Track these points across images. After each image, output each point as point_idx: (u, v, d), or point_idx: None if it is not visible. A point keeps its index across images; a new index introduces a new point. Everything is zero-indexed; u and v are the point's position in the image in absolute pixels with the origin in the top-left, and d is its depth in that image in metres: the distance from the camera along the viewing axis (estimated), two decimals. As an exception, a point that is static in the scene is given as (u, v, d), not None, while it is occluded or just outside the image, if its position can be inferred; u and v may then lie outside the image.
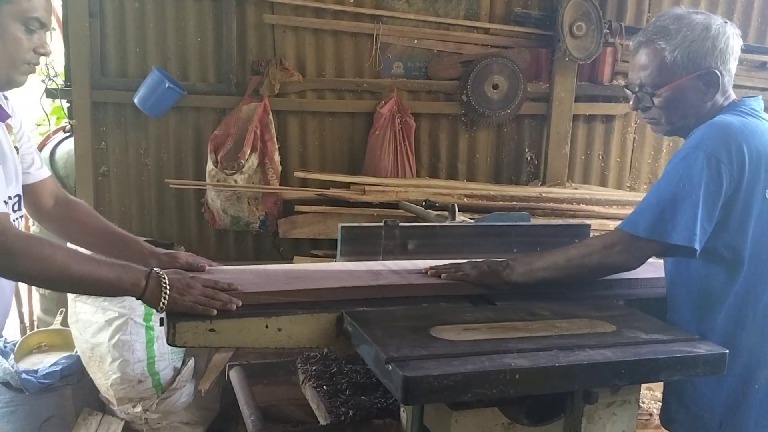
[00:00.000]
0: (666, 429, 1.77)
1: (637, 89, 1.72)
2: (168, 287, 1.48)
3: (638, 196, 3.65)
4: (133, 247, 1.80)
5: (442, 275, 1.79)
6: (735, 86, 4.00)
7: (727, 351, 1.47)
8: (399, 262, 1.99)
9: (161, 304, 1.47)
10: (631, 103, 1.77)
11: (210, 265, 1.82)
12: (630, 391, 1.49)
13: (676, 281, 1.74)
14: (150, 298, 1.48)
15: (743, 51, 4.04)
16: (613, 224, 3.33)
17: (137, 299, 1.50)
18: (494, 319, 1.59)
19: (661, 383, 1.99)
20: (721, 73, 1.65)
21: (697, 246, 1.56)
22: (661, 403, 1.79)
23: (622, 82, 3.76)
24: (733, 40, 1.66)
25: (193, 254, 1.85)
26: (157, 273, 1.50)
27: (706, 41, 1.63)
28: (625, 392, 1.49)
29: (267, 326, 1.53)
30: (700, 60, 1.64)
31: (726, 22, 1.67)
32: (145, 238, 3.32)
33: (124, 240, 1.82)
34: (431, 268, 1.83)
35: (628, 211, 3.44)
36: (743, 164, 1.55)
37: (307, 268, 1.94)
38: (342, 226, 2.08)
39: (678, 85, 1.66)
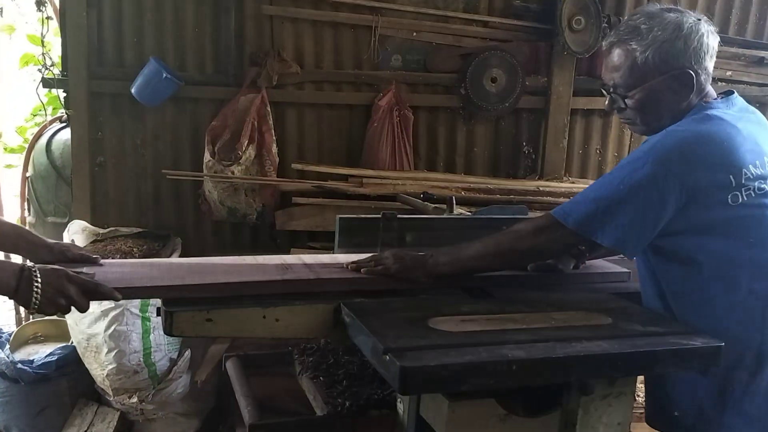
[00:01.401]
0: (649, 426, 1.77)
1: (611, 90, 1.69)
2: (39, 288, 1.40)
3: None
4: (25, 239, 1.72)
5: (362, 269, 1.73)
6: (733, 82, 4.01)
7: (723, 344, 1.48)
8: (319, 256, 1.94)
9: (32, 305, 1.41)
10: (606, 103, 1.74)
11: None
12: (626, 383, 1.50)
13: (644, 275, 1.74)
14: (21, 298, 1.42)
15: (742, 47, 4.04)
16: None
17: (10, 299, 1.45)
18: (491, 310, 1.59)
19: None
20: (695, 72, 1.60)
21: (626, 251, 1.55)
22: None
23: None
24: (708, 37, 1.61)
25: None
26: (30, 272, 1.42)
27: (678, 41, 1.59)
28: (622, 384, 1.49)
29: (264, 316, 1.53)
30: (673, 60, 1.59)
31: (700, 20, 1.62)
32: (141, 229, 3.37)
33: (15, 231, 1.76)
34: (353, 262, 1.78)
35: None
36: (699, 173, 1.52)
37: (214, 261, 1.85)
38: (340, 218, 2.08)
39: (651, 86, 1.62)
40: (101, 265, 1.69)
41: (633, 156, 1.60)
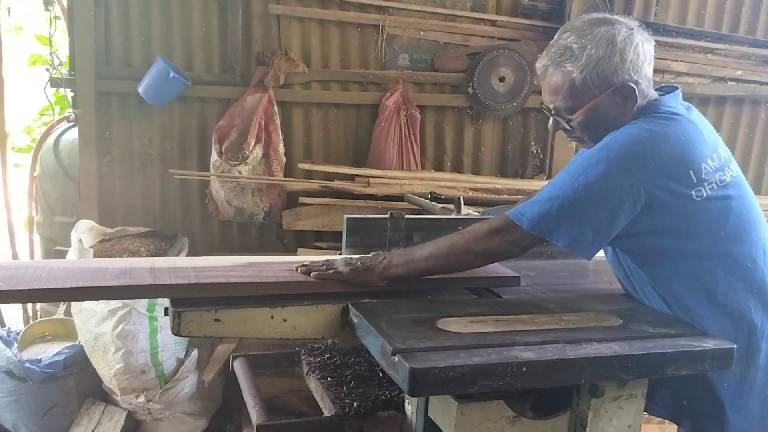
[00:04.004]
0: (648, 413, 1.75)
1: (553, 112, 1.66)
2: None
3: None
4: None
5: (312, 273, 1.68)
6: (744, 81, 3.98)
7: (735, 346, 1.47)
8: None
9: None
10: (549, 125, 1.71)
11: None
12: (637, 385, 1.48)
13: (620, 276, 1.74)
14: None
15: (752, 45, 4.01)
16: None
17: None
18: (500, 312, 1.58)
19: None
20: (636, 83, 1.57)
21: (582, 252, 1.52)
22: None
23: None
24: (643, 46, 1.58)
25: None
26: None
27: (613, 56, 1.55)
28: (632, 386, 1.48)
29: (272, 317, 1.53)
30: (611, 76, 1.56)
31: (632, 29, 1.58)
32: (148, 229, 3.37)
33: None
34: (302, 264, 1.73)
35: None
36: (656, 171, 1.50)
37: (109, 265, 1.74)
38: (348, 218, 2.07)
39: (593, 106, 1.59)
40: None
41: (587, 153, 1.56)
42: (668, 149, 1.52)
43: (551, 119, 1.69)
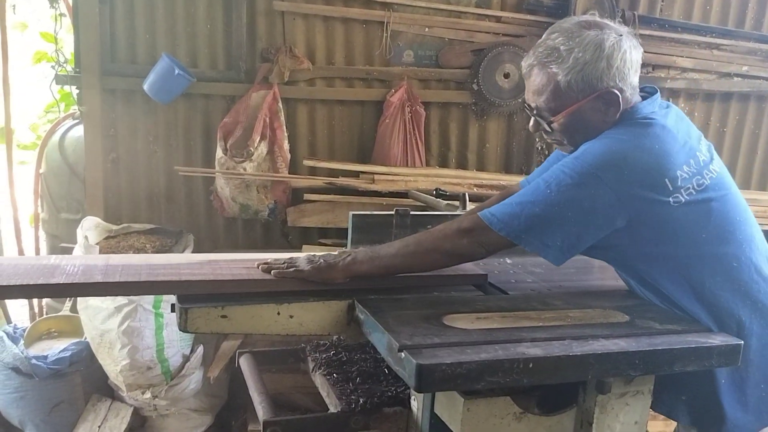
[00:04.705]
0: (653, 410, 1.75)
1: (535, 113, 1.66)
2: None
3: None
4: None
5: (273, 271, 1.64)
6: (750, 77, 3.96)
7: (742, 342, 1.46)
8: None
9: None
10: (530, 125, 1.70)
11: None
12: (643, 381, 1.48)
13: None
14: None
15: (759, 41, 3.99)
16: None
17: None
18: (507, 308, 1.58)
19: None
20: (620, 89, 1.56)
21: (550, 258, 1.52)
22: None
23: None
24: (630, 53, 1.57)
25: None
26: None
27: (600, 62, 1.54)
28: (639, 383, 1.48)
29: (279, 313, 1.53)
30: (596, 82, 1.55)
31: (621, 35, 1.57)
32: (153, 226, 3.38)
33: None
34: (264, 262, 1.68)
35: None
36: (631, 182, 1.48)
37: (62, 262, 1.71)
38: (353, 215, 2.07)
39: (575, 109, 1.58)
40: None
41: (562, 162, 1.55)
42: (643, 159, 1.50)
43: (532, 119, 1.68)
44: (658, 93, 1.68)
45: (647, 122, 1.57)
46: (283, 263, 1.67)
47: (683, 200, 1.52)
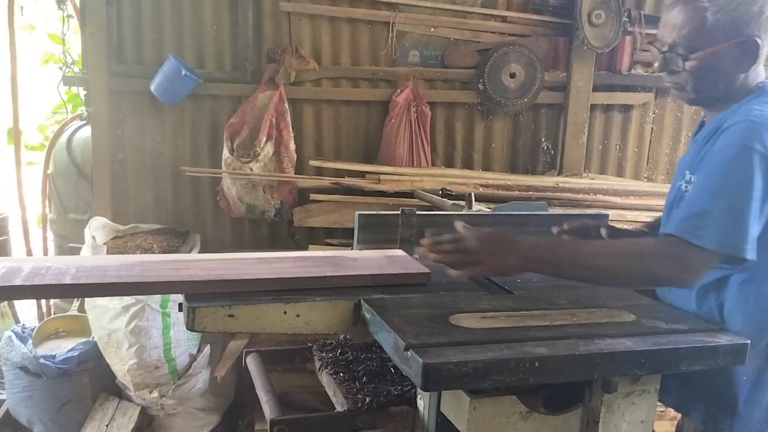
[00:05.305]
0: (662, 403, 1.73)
1: (666, 49, 1.56)
2: None
3: (656, 187, 3.62)
4: None
5: (435, 254, 1.52)
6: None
7: (749, 341, 1.46)
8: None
9: None
10: (656, 64, 1.60)
11: None
12: (649, 380, 1.48)
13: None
14: None
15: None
16: (630, 215, 3.30)
17: None
18: (512, 307, 1.58)
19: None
20: (762, 42, 1.50)
21: (753, 256, 1.42)
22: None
23: (641, 72, 3.72)
24: None
25: None
26: None
27: (753, 5, 1.48)
28: (645, 382, 1.48)
29: (285, 312, 1.54)
30: (743, 26, 1.48)
31: None
32: (160, 226, 3.40)
33: None
34: (430, 239, 1.56)
35: (646, 201, 3.45)
36: None
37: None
38: (359, 214, 2.08)
39: (715, 51, 1.50)
40: None
41: (730, 151, 1.44)
42: None
43: (661, 57, 1.58)
44: None
45: None
46: (449, 243, 1.52)
47: None
